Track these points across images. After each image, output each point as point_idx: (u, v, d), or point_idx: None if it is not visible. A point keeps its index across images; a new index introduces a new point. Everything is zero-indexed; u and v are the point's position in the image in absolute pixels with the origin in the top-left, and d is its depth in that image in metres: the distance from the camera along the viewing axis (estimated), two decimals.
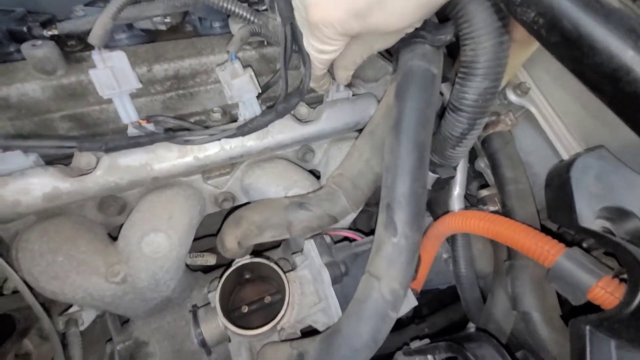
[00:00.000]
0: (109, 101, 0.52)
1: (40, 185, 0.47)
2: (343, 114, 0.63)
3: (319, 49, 0.45)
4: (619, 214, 0.47)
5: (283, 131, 0.59)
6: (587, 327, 0.39)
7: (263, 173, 0.62)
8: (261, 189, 0.62)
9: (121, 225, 0.58)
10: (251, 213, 0.53)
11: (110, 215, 0.58)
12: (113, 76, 0.48)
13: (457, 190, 0.72)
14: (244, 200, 0.68)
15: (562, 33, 0.37)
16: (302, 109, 0.64)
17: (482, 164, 0.78)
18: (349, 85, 0.66)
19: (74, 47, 0.56)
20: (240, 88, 0.52)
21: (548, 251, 0.44)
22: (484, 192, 0.74)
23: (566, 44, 0.38)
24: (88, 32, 0.46)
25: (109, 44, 0.56)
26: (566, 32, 0.37)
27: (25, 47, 0.48)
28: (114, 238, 0.57)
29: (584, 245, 0.53)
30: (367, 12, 0.39)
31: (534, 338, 0.52)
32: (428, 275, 0.90)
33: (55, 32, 0.52)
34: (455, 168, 0.66)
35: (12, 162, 0.48)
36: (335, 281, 0.54)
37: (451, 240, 0.75)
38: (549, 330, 0.51)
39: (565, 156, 0.59)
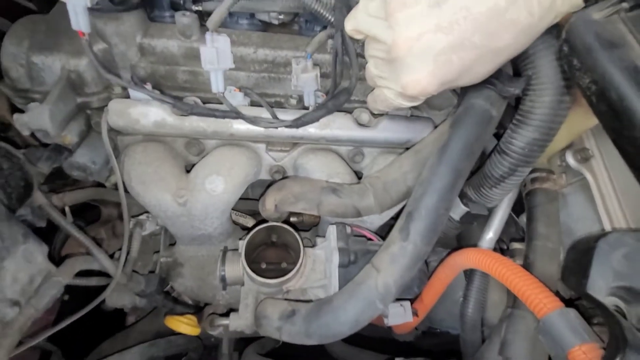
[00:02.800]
0: None
1: (154, 113, 0.63)
2: (399, 129, 0.70)
3: (405, 105, 0.51)
4: (637, 297, 0.46)
5: (341, 128, 0.68)
6: None
7: (314, 157, 0.72)
8: (308, 170, 0.71)
9: (194, 165, 0.73)
10: (293, 184, 0.63)
11: (190, 154, 0.73)
12: (216, 55, 0.61)
13: (490, 235, 0.73)
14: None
15: (608, 103, 0.40)
16: (364, 115, 0.72)
17: (525, 219, 0.77)
18: (414, 106, 0.72)
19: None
20: (305, 82, 0.63)
21: (544, 303, 0.46)
22: (516, 245, 0.74)
23: (610, 113, 0.40)
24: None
25: (234, 26, 0.72)
26: (612, 102, 0.40)
27: (177, 15, 0.65)
28: (187, 172, 0.72)
29: (594, 321, 0.51)
30: (457, 79, 0.45)
31: None
32: (440, 314, 0.91)
33: (200, 8, 0.68)
34: (488, 209, 0.68)
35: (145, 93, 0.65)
36: (341, 265, 0.61)
37: (468, 280, 0.76)
38: None
39: (608, 228, 0.58)
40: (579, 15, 0.41)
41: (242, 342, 1.04)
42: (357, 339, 1.22)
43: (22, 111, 0.63)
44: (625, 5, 0.40)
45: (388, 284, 0.50)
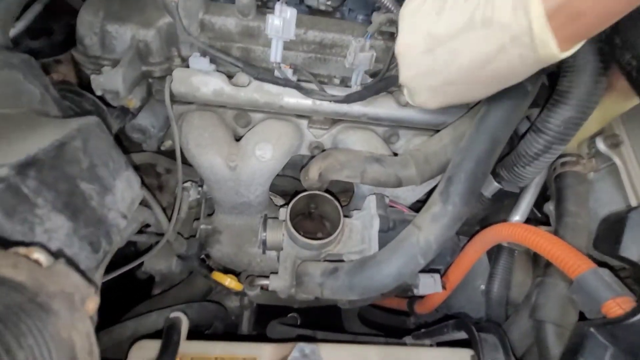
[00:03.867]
0: (269, 45, 0.72)
1: (214, 83, 0.69)
2: (434, 111, 0.74)
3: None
4: None
5: (383, 107, 0.73)
6: (590, 328, 0.44)
7: (354, 134, 0.76)
8: (348, 145, 0.76)
9: (240, 137, 0.78)
10: (338, 153, 0.68)
11: (239, 125, 0.79)
12: (281, 24, 0.67)
13: (517, 217, 0.77)
14: None
15: None
16: (403, 97, 0.77)
17: (551, 206, 0.81)
18: None
19: (266, 3, 0.78)
20: (360, 60, 0.67)
21: (578, 264, 0.49)
22: (543, 228, 0.77)
23: None
24: None
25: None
26: None
27: None
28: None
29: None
30: (458, 101, 0.48)
31: (540, 348, 0.56)
32: (459, 301, 0.94)
33: None
34: (519, 187, 0.71)
35: (202, 64, 0.71)
36: (381, 230, 0.65)
37: (493, 260, 0.80)
38: (557, 344, 0.54)
39: None
40: None
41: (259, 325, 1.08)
42: (372, 325, 1.26)
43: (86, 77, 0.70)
44: None
45: (429, 241, 0.54)
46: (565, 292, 0.57)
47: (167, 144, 0.78)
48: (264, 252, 0.75)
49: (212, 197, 0.84)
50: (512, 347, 0.64)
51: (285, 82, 0.68)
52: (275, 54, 0.66)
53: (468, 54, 0.40)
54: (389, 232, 0.65)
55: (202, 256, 0.92)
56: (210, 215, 0.91)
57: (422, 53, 0.43)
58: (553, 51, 0.35)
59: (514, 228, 0.60)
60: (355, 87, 0.71)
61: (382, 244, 0.65)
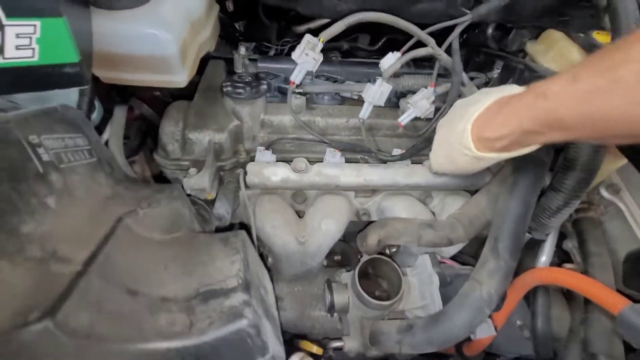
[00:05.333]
0: (318, 133, 0.87)
1: (281, 172, 0.81)
2: (463, 175, 0.89)
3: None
4: None
5: (422, 177, 0.86)
6: None
7: (398, 201, 0.89)
8: (395, 212, 0.88)
9: (297, 212, 0.89)
10: (395, 222, 0.80)
11: (296, 203, 0.90)
12: (379, 95, 0.79)
13: (544, 258, 0.89)
14: (375, 218, 0.95)
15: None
16: None
17: (570, 244, 0.93)
18: None
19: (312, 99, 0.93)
20: (419, 105, 0.81)
21: (616, 302, 0.60)
22: (568, 266, 0.89)
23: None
24: None
25: (319, 101, 0.94)
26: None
27: (292, 97, 0.86)
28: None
29: None
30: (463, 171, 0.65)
31: None
32: (497, 339, 1.01)
33: (301, 90, 0.90)
34: (546, 235, 0.84)
35: (267, 156, 0.84)
36: (441, 285, 0.75)
37: (532, 298, 0.90)
38: None
39: None
40: None
41: None
42: None
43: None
44: None
45: (491, 293, 0.65)
46: (608, 326, 0.67)
47: (236, 226, 0.88)
48: (332, 315, 0.83)
49: (275, 268, 0.93)
50: None
51: (360, 149, 0.85)
52: (365, 113, 0.81)
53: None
54: (447, 287, 0.76)
55: None
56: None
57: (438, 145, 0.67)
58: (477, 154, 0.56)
59: (555, 273, 0.72)
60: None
61: (443, 298, 0.75)
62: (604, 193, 0.83)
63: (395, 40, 1.07)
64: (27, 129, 0.37)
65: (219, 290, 0.38)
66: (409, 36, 1.02)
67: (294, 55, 0.75)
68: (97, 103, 0.78)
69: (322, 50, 0.78)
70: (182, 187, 0.64)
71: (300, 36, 1.10)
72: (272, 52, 1.08)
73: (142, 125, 0.96)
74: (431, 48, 0.77)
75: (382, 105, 0.80)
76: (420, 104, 0.79)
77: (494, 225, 0.71)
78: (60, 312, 0.27)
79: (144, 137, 0.95)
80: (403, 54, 0.77)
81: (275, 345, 0.44)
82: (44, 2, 0.46)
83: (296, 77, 0.77)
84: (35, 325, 0.26)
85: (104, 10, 0.62)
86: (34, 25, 0.47)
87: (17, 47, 0.46)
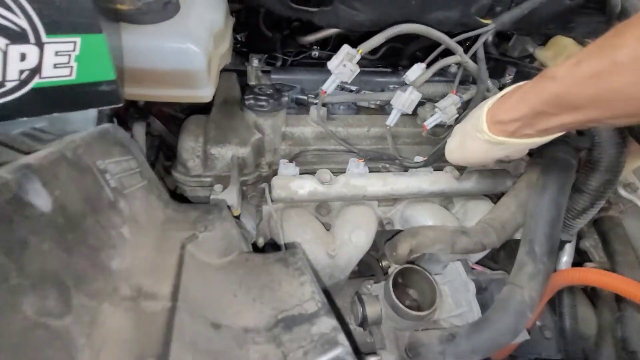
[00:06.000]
0: (338, 145, 0.86)
1: (308, 185, 0.80)
2: (485, 180, 0.90)
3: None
4: None
5: (447, 183, 0.87)
6: None
7: (422, 209, 0.89)
8: (420, 220, 0.88)
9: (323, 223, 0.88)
10: (427, 230, 0.79)
11: (320, 215, 0.89)
12: (408, 103, 0.79)
13: (566, 258, 0.90)
14: (398, 227, 0.94)
15: None
16: (455, 172, 0.92)
17: (587, 243, 0.95)
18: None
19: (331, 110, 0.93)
20: (449, 111, 0.81)
21: None
22: (590, 265, 0.91)
23: None
24: None
25: (335, 111, 0.93)
26: None
27: (313, 108, 0.85)
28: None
29: None
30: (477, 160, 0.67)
31: None
32: None
33: (320, 101, 0.90)
34: (572, 235, 0.85)
35: (290, 169, 0.82)
36: (477, 292, 0.74)
37: (557, 299, 0.91)
38: None
39: None
40: None
41: None
42: None
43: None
44: None
45: (532, 297, 0.65)
46: None
47: (260, 240, 0.85)
48: (364, 329, 0.81)
49: None
50: None
51: (387, 157, 0.85)
52: (393, 120, 0.81)
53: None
54: (483, 293, 0.75)
55: None
56: None
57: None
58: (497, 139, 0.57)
59: (587, 273, 0.73)
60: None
61: (479, 304, 0.75)
62: (622, 192, 0.86)
63: (395, 48, 1.08)
64: (93, 154, 0.34)
65: (299, 316, 0.35)
66: (411, 43, 1.04)
67: (331, 65, 0.74)
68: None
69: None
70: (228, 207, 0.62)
71: (305, 46, 1.11)
72: (278, 63, 1.07)
73: (155, 141, 0.92)
74: (459, 56, 0.78)
75: (410, 113, 0.80)
76: (448, 110, 0.79)
77: (527, 229, 0.71)
78: (170, 356, 0.25)
79: (156, 154, 0.92)
80: (429, 64, 0.78)
81: None
82: (85, 18, 0.43)
83: (329, 86, 0.76)
84: None
85: (130, 25, 0.60)
86: (74, 42, 0.44)
87: (55, 66, 0.44)
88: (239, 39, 1.20)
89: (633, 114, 0.42)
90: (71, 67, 0.45)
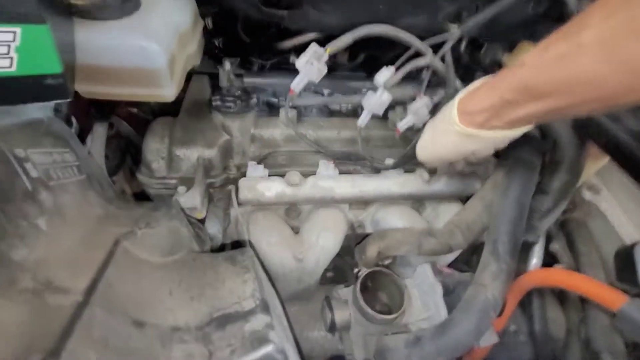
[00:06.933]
0: (309, 147, 0.86)
1: (275, 186, 0.79)
2: (455, 183, 0.90)
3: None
4: None
5: (415, 186, 0.87)
6: None
7: (393, 211, 0.89)
8: (390, 222, 0.87)
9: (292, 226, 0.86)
10: (394, 232, 0.79)
11: (290, 218, 0.87)
12: (378, 104, 0.78)
13: (535, 260, 0.91)
14: (370, 230, 0.94)
15: (623, 154, 0.62)
16: (425, 175, 0.92)
17: (557, 245, 0.97)
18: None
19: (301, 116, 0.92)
20: (416, 110, 0.81)
21: (614, 298, 0.62)
22: (558, 267, 0.91)
23: (625, 160, 0.63)
24: None
25: (308, 114, 0.93)
26: (626, 153, 0.62)
27: (283, 110, 0.85)
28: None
29: None
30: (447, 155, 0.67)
31: None
32: (495, 346, 1.02)
33: (292, 104, 0.89)
34: (538, 236, 0.86)
35: (259, 171, 0.81)
36: (444, 294, 0.74)
37: (527, 302, 0.91)
38: None
39: (627, 241, 0.78)
40: None
41: None
42: None
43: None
44: None
45: (496, 296, 0.64)
46: (607, 323, 0.69)
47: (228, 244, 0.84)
48: (333, 334, 0.80)
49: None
50: None
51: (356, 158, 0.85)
52: (364, 121, 0.80)
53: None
54: (450, 295, 0.75)
55: None
56: None
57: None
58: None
59: (553, 274, 0.73)
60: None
61: (447, 307, 0.74)
62: (586, 194, 0.88)
63: (373, 56, 1.10)
64: (12, 141, 0.33)
65: (235, 314, 0.34)
66: (387, 51, 1.05)
67: (298, 63, 0.73)
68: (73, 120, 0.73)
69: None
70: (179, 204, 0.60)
71: (282, 52, 1.11)
72: (255, 68, 1.07)
73: (121, 143, 0.90)
74: (428, 59, 0.78)
75: (380, 115, 0.80)
76: (420, 112, 0.80)
77: (491, 229, 0.71)
78: (64, 352, 0.23)
79: (123, 156, 0.90)
80: (399, 66, 0.78)
81: None
82: (26, 7, 0.42)
83: (297, 85, 0.75)
84: None
85: (88, 21, 0.58)
86: (14, 32, 0.43)
87: None
88: (217, 44, 1.20)
89: (597, 98, 0.42)
90: (11, 58, 0.43)
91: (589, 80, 0.41)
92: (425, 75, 0.84)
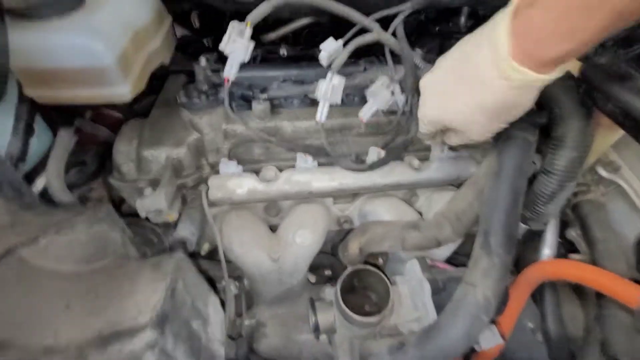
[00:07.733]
0: (286, 141, 0.81)
1: (247, 183, 0.74)
2: (448, 168, 0.82)
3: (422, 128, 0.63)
4: None
5: (402, 174, 0.79)
6: None
7: (381, 203, 0.82)
8: (378, 215, 0.80)
9: (273, 226, 0.82)
10: (376, 226, 0.72)
11: (269, 216, 0.83)
12: (330, 90, 0.68)
13: (547, 250, 0.81)
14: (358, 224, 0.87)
15: (634, 119, 0.52)
16: (415, 161, 0.84)
17: (574, 232, 0.85)
18: (454, 148, 0.85)
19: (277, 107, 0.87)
20: (379, 95, 0.72)
21: (634, 293, 0.52)
22: (574, 257, 0.81)
23: (637, 127, 0.52)
24: None
25: (288, 106, 0.87)
26: (636, 118, 0.52)
27: (255, 102, 0.80)
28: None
29: None
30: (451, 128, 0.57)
31: None
32: (511, 345, 0.92)
33: (266, 96, 0.84)
34: (545, 224, 0.76)
35: (231, 167, 0.77)
36: (433, 293, 0.66)
37: (539, 297, 0.81)
38: None
39: None
40: (589, 62, 0.56)
41: None
42: None
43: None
44: (621, 51, 0.55)
45: (487, 296, 0.56)
46: (627, 321, 0.59)
47: (205, 247, 0.80)
48: (317, 338, 0.74)
49: (253, 290, 0.85)
50: None
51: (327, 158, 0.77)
52: (321, 115, 0.70)
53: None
54: (440, 294, 0.67)
55: None
56: (249, 308, 0.91)
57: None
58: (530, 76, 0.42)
59: (560, 265, 0.63)
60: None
61: (437, 306, 0.67)
62: (602, 172, 0.76)
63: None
64: None
65: (125, 331, 0.30)
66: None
67: (221, 46, 0.65)
68: (41, 127, 0.72)
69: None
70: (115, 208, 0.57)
71: (268, 44, 1.06)
72: None
73: (100, 149, 0.89)
74: (376, 33, 0.70)
75: (339, 102, 0.72)
76: (380, 95, 0.72)
77: (482, 219, 0.63)
78: None
79: (102, 162, 0.88)
80: (346, 42, 0.70)
81: None
82: None
83: (229, 71, 0.67)
84: None
85: (26, 22, 0.56)
86: None
87: None
88: (206, 43, 1.18)
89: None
90: None
91: None
92: (387, 52, 0.75)
